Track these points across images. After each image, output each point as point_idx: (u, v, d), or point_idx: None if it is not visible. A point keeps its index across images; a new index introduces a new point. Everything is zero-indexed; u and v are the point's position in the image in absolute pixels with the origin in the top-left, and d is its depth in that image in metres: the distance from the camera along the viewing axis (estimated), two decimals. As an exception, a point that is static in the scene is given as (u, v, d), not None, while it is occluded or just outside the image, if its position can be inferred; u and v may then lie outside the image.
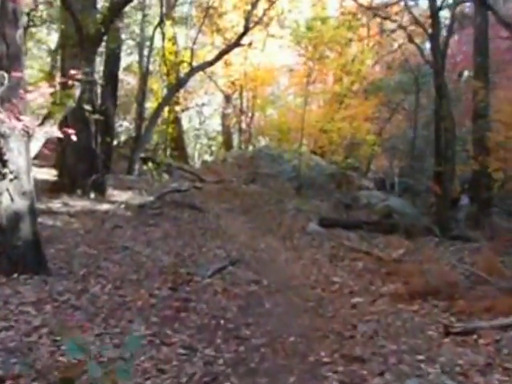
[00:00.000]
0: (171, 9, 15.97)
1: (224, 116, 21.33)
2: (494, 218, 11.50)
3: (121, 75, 14.98)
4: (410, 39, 12.35)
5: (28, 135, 4.91)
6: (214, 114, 22.93)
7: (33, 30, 12.90)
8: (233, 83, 19.35)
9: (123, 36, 13.69)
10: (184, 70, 15.01)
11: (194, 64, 14.43)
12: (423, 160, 14.75)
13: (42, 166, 11.08)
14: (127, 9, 11.84)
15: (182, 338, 3.90)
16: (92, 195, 9.23)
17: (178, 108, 16.59)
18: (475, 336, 4.17)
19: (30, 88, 5.12)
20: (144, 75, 15.13)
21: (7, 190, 4.74)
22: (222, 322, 4.40)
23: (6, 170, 4.72)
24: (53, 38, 15.06)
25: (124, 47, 15.03)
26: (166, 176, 13.81)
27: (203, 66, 14.35)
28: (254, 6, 13.11)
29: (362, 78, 15.93)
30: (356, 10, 13.74)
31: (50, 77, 11.43)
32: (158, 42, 15.06)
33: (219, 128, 22.67)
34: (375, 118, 16.28)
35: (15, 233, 4.82)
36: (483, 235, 9.57)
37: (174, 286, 5.20)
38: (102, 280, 5.10)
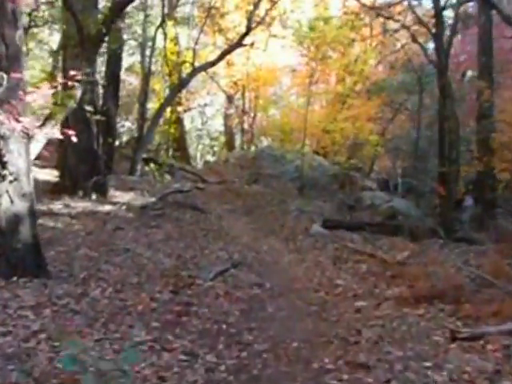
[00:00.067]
0: (173, 9, 15.94)
1: (226, 116, 21.28)
2: (498, 219, 11.40)
3: (123, 75, 14.98)
4: (414, 39, 12.25)
5: (28, 137, 4.85)
6: (216, 115, 22.90)
7: (34, 30, 12.85)
8: (235, 83, 19.30)
9: (125, 36, 13.64)
10: (186, 70, 15.00)
11: (196, 64, 14.40)
12: (426, 160, 14.65)
13: (43, 167, 11.06)
14: (129, 9, 11.79)
15: (184, 344, 3.82)
16: (94, 196, 9.18)
17: (180, 108, 16.58)
18: (482, 341, 4.07)
19: (30, 89, 5.07)
20: (146, 75, 15.10)
21: (7, 191, 4.68)
22: (224, 326, 4.32)
23: (5, 172, 4.66)
24: (55, 39, 15.03)
25: (126, 47, 14.99)
26: (167, 177, 13.78)
27: (205, 67, 14.31)
28: (256, 6, 13.05)
29: (364, 78, 15.85)
30: (359, 9, 13.66)
31: (51, 77, 11.38)
32: (159, 43, 15.07)
33: (221, 128, 22.64)
34: (378, 119, 16.18)
35: (15, 235, 4.76)
36: (488, 237, 9.48)
37: (175, 290, 5.13)
38: (102, 283, 5.03)
